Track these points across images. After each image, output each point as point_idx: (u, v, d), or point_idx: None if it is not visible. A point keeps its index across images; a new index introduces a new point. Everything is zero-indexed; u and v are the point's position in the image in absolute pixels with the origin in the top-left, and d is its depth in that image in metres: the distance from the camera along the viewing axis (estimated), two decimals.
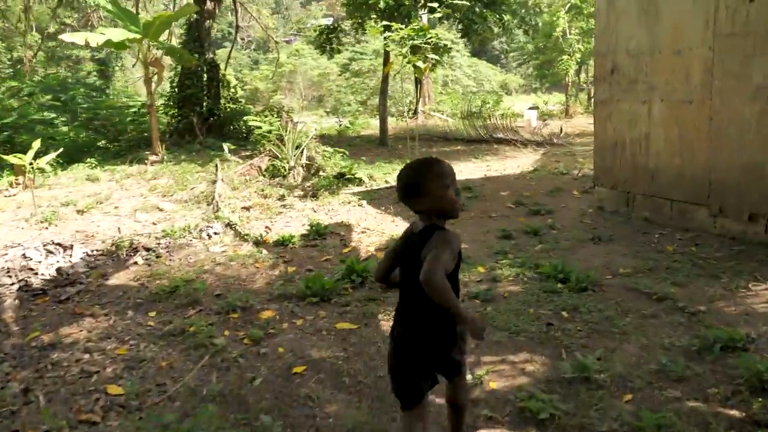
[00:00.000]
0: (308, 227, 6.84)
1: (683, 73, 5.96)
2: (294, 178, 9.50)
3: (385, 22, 8.06)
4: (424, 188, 2.03)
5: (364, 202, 8.26)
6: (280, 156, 9.68)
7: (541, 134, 14.03)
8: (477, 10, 11.72)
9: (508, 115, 18.25)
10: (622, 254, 5.49)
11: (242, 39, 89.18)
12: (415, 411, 2.12)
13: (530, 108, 35.10)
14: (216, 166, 8.89)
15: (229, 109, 15.96)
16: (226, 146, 10.80)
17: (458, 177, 2.18)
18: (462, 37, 13.23)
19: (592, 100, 7.45)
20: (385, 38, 8.13)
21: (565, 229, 6.44)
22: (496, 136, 14.09)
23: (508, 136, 13.92)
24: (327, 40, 15.11)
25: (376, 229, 6.90)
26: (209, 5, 16.26)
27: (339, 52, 15.31)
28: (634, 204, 6.80)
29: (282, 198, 8.49)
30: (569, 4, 19.68)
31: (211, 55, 15.59)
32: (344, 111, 57.15)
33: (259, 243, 6.46)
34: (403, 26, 9.57)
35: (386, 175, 10.00)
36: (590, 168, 10.27)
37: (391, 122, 21.40)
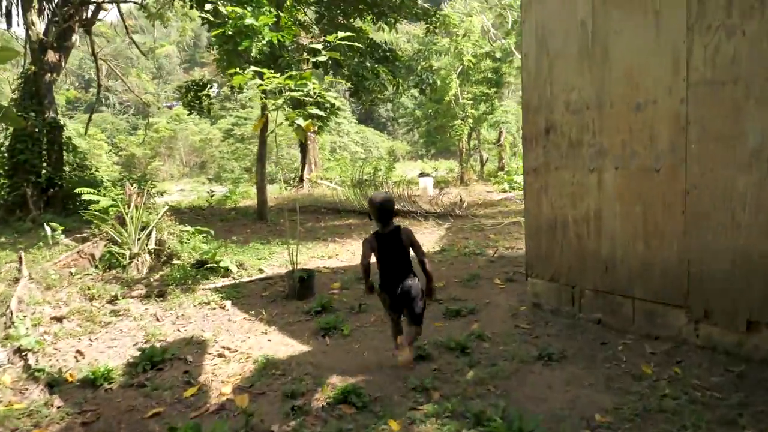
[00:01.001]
0: (139, 351, 4.69)
1: (646, 134, 4.51)
2: (138, 268, 7.23)
3: (254, 68, 6.20)
4: (394, 211, 4.43)
5: (229, 303, 6.18)
6: (119, 240, 7.40)
7: (441, 205, 12.62)
8: (368, 65, 10.27)
9: (402, 182, 16.87)
10: (589, 383, 3.83)
11: (120, 103, 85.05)
12: (397, 317, 4.43)
13: (421, 174, 34.49)
14: (20, 257, 6.46)
15: (76, 178, 13.33)
16: (48, 228, 8.31)
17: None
18: (352, 95, 11.62)
19: (523, 165, 5.60)
20: (259, 87, 6.31)
21: (499, 341, 4.71)
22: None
23: (406, 207, 12.37)
24: (195, 98, 13.07)
25: (241, 350, 4.84)
26: (52, 56, 13.80)
27: (209, 111, 13.28)
28: (582, 302, 5.20)
29: (114, 300, 6.21)
30: (460, 68, 19.08)
31: (53, 115, 13.02)
32: (226, 178, 54.71)
33: (56, 384, 4.23)
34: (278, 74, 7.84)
35: (261, 261, 7.98)
36: (505, 247, 8.79)
37: (275, 191, 19.42)
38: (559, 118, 5.26)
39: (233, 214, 13.50)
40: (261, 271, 7.43)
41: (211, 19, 8.86)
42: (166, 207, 8.00)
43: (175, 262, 7.39)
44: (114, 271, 7.20)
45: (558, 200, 5.38)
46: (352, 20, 11.99)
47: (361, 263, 4.30)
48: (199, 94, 13.20)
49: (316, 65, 11.10)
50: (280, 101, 6.28)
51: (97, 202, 8.40)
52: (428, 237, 10.00)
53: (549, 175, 5.47)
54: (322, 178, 18.40)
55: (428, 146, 68.74)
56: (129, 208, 7.64)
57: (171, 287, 6.58)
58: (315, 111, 6.39)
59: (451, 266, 7.66)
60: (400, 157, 71.63)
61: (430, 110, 33.00)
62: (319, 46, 7.17)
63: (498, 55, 21.63)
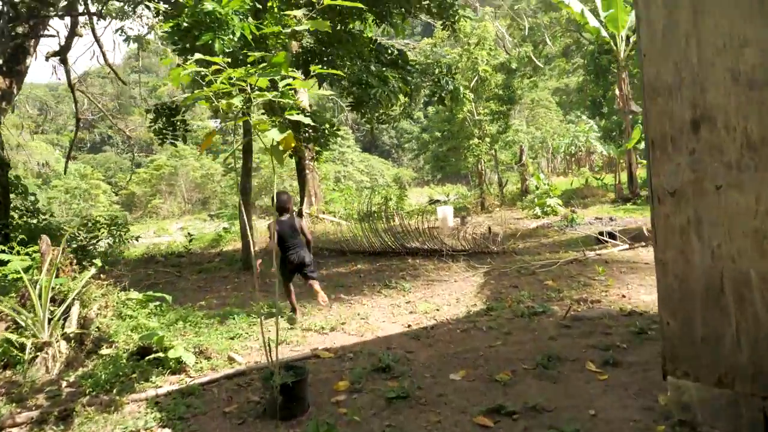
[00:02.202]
0: None
1: None
2: (47, 366, 4.85)
3: (200, 55, 3.87)
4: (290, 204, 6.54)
5: None
6: (23, 323, 5.03)
7: (469, 238, 10.23)
8: (373, 69, 7.98)
9: (419, 212, 14.51)
10: None
11: (123, 142, 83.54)
12: (290, 283, 6.68)
13: (432, 202, 32.12)
14: None
15: (26, 225, 11.04)
16: None
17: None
18: (354, 109, 9.29)
19: (648, 190, 3.55)
20: (210, 89, 4.05)
21: None
22: (409, 246, 10.12)
23: (427, 244, 9.98)
24: (168, 125, 10.82)
25: None
26: (0, 83, 11.64)
27: (184, 140, 11.01)
28: None
29: None
30: (475, 79, 16.82)
31: None
32: (224, 215, 52.59)
33: None
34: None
35: (235, 341, 5.57)
36: (575, 300, 6.37)
37: (264, 232, 17.09)
38: (720, 100, 2.91)
39: (216, 262, 11.12)
40: (231, 361, 5.02)
41: (162, 8, 6.63)
42: (93, 270, 5.63)
43: (105, 351, 5.01)
44: (10, 372, 4.82)
45: (726, 244, 3.00)
46: (351, 25, 9.73)
47: (272, 242, 5.88)
48: (172, 119, 10.93)
49: (306, 72, 8.86)
50: (236, 101, 3.95)
51: (6, 263, 6.02)
52: (462, 285, 7.58)
53: (704, 200, 3.09)
54: (324, 212, 16.10)
55: (435, 171, 66.79)
56: (41, 273, 5.28)
57: (88, 397, 4.21)
58: (299, 118, 4.04)
59: (510, 338, 5.24)
60: (406, 183, 69.70)
61: (438, 132, 30.81)
62: (303, 27, 4.86)
63: (514, 65, 19.42)
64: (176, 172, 68.43)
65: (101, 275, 6.32)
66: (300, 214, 16.47)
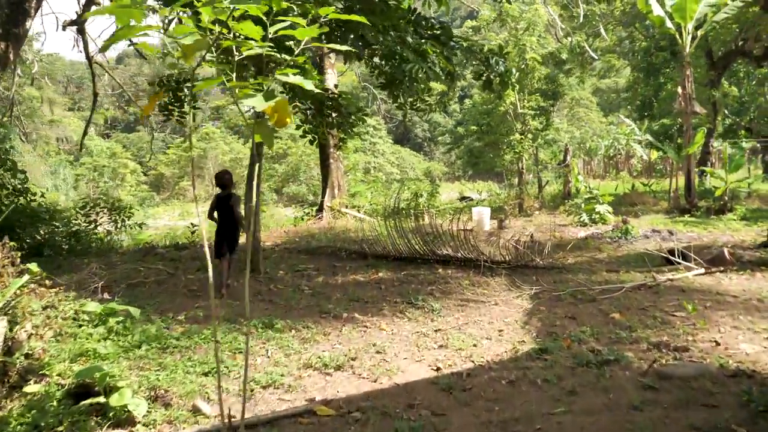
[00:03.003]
0: None
1: None
2: None
3: None
4: (231, 181, 7.49)
5: None
6: None
7: (510, 247, 8.77)
8: (410, 40, 6.56)
9: (449, 211, 13.11)
10: None
11: (156, 123, 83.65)
12: (222, 260, 7.12)
13: (464, 198, 30.53)
14: None
15: (13, 206, 9.93)
16: None
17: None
18: (384, 88, 7.89)
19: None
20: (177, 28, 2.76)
21: None
22: (440, 253, 8.71)
23: (462, 252, 8.56)
24: (175, 99, 9.59)
25: None
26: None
27: (193, 116, 9.73)
28: None
29: None
30: (524, 66, 15.22)
31: None
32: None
33: None
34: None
35: (208, 378, 4.26)
36: (653, 344, 4.91)
37: (289, 220, 15.76)
38: None
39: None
40: (196, 412, 3.70)
41: None
42: (26, 276, 4.38)
43: (31, 388, 3.75)
44: None
45: None
46: None
47: (209, 216, 7.40)
48: (179, 94, 9.69)
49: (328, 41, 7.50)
50: (188, 41, 2.61)
51: None
52: (507, 312, 6.15)
53: None
54: (346, 206, 14.74)
55: (467, 167, 65.09)
56: None
57: None
58: (295, 80, 2.71)
59: (576, 401, 3.83)
60: (436, 178, 68.08)
61: (474, 126, 29.22)
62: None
63: (564, 56, 17.77)
64: (205, 154, 68.05)
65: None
66: (320, 208, 15.19)
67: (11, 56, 11.01)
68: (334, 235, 11.48)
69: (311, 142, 10.07)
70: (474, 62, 7.93)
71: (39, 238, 9.89)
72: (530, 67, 15.58)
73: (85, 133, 19.61)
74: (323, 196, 15.03)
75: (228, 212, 7.24)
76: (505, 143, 18.01)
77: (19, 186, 10.15)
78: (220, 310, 6.27)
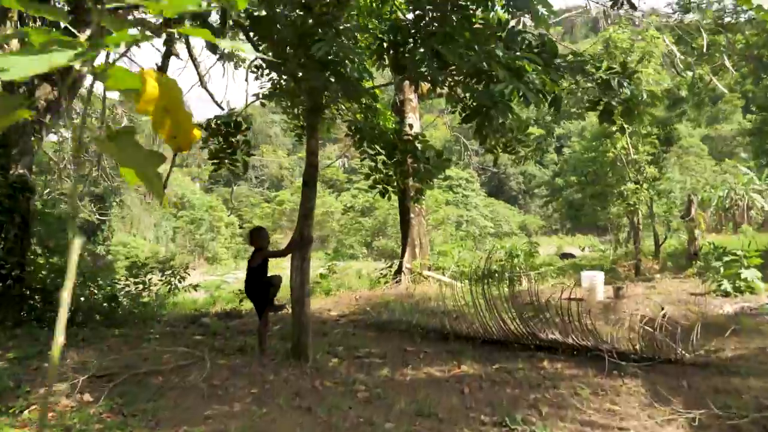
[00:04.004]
0: None
1: None
2: None
3: None
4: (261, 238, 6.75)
5: None
6: None
7: (639, 331, 6.51)
8: (500, 54, 4.71)
9: (551, 273, 10.90)
10: None
11: (256, 177, 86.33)
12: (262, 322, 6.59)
13: (565, 256, 27.68)
14: None
15: (43, 271, 8.82)
16: None
17: None
18: (468, 121, 6.01)
19: None
20: None
21: None
22: (544, 337, 6.59)
23: (574, 338, 6.40)
24: (227, 145, 8.23)
25: None
26: (47, 90, 9.71)
27: (245, 168, 8.37)
28: None
29: None
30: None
31: (21, 171, 8.67)
32: (345, 254, 50.64)
33: None
34: None
35: None
36: None
37: (362, 283, 13.95)
38: None
39: (275, 330, 8.17)
40: None
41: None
42: None
43: None
44: None
45: None
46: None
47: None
48: (231, 139, 8.32)
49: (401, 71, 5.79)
50: None
51: None
52: None
53: None
54: (429, 268, 12.85)
55: (564, 220, 61.51)
56: None
57: None
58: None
59: None
60: (532, 232, 64.79)
61: (573, 177, 26.76)
62: None
63: (683, 92, 15.33)
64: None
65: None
66: (399, 270, 13.35)
67: (64, 103, 10.14)
68: (411, 305, 9.55)
69: (382, 195, 8.32)
70: (587, 85, 5.94)
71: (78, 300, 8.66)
72: (645, 104, 13.28)
73: (164, 185, 18.87)
74: (402, 256, 13.20)
75: (252, 273, 6.64)
76: (615, 194, 15.61)
77: (50, 244, 9.03)
78: (235, 421, 4.49)
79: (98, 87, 1.14)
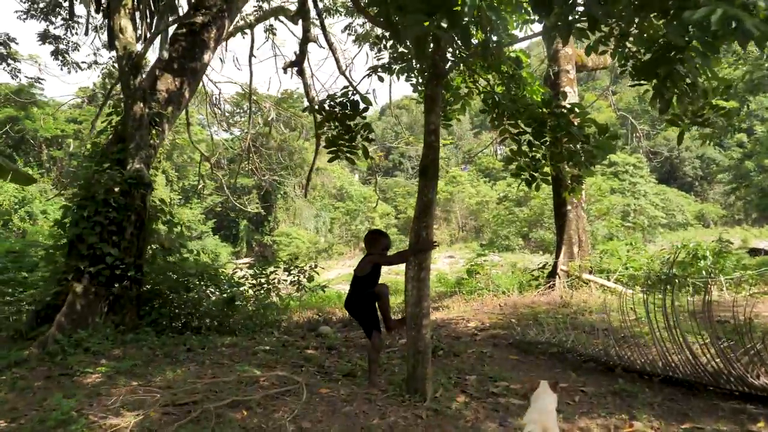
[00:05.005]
0: None
1: None
2: None
3: None
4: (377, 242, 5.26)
5: None
6: None
7: None
8: None
9: (751, 280, 8.56)
10: None
11: (412, 168, 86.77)
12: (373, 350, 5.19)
13: (752, 251, 23.67)
14: None
15: (162, 271, 8.31)
16: None
17: None
18: (642, 74, 4.23)
19: None
20: None
21: None
22: (755, 383, 4.66)
23: None
24: (344, 130, 7.10)
25: None
26: (169, 81, 9.29)
27: (366, 155, 7.13)
28: None
29: None
30: None
31: (138, 166, 8.21)
32: (501, 245, 48.42)
33: None
34: None
35: None
36: None
37: (512, 284, 12.19)
38: None
39: (393, 350, 6.92)
40: None
41: None
42: None
43: None
44: None
45: None
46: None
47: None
48: (348, 122, 7.16)
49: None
50: None
51: None
52: None
53: None
54: (590, 271, 10.82)
55: (751, 210, 54.03)
56: None
57: None
58: None
59: None
60: (711, 222, 57.96)
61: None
62: None
63: None
64: (452, 198, 67.53)
65: None
66: (553, 272, 11.48)
67: (187, 94, 9.65)
68: (566, 319, 7.79)
69: (528, 184, 6.71)
70: None
71: (187, 306, 8.06)
72: None
73: (308, 178, 18.47)
74: (557, 256, 11.30)
75: (357, 281, 5.31)
76: None
77: (166, 243, 8.51)
78: None
79: None
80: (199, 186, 42.69)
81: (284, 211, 62.28)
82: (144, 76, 9.22)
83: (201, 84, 15.23)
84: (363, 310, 5.22)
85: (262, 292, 9.35)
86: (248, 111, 20.83)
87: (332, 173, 68.56)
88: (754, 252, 23.96)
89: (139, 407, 4.70)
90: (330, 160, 7.49)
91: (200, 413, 4.55)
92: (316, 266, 10.06)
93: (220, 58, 22.14)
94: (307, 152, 58.06)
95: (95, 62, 14.43)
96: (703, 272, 9.32)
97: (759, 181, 29.48)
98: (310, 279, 9.85)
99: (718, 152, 61.37)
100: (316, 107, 7.29)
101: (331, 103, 7.20)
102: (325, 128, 7.38)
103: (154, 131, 8.85)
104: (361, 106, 7.10)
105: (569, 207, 11.59)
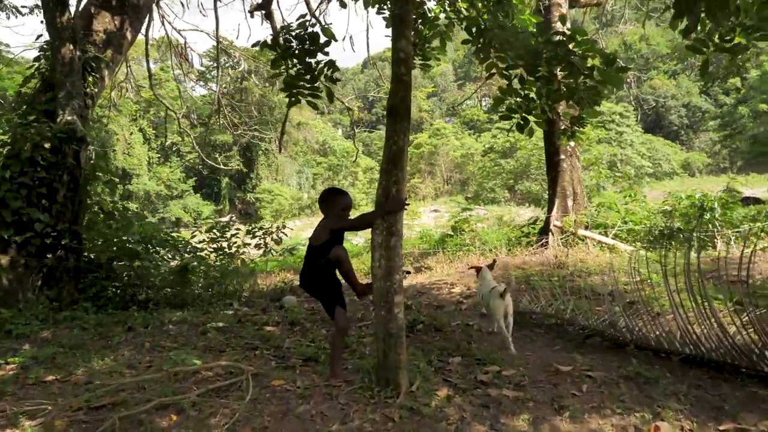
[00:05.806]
0: None
1: None
2: None
3: None
4: (330, 201, 4.23)
5: None
6: None
7: None
8: None
9: (759, 231, 7.74)
10: None
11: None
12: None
13: (748, 200, 23.17)
14: None
15: (102, 237, 7.29)
16: None
17: None
18: (675, 13, 3.21)
19: None
20: None
21: None
22: None
23: None
24: (306, 70, 6.01)
25: None
26: (108, 21, 8.08)
27: (330, 98, 6.03)
28: None
29: None
30: None
31: (69, 118, 7.07)
32: (486, 198, 47.59)
33: None
34: None
35: None
36: None
37: (500, 241, 11.28)
38: None
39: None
40: None
41: None
42: None
43: None
44: None
45: None
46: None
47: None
48: (309, 60, 6.05)
49: None
50: None
51: None
52: None
53: None
54: (586, 227, 9.91)
55: (737, 157, 53.48)
56: None
57: None
58: None
59: None
60: (696, 171, 57.49)
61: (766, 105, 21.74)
62: None
63: None
64: (437, 151, 66.21)
65: None
66: (545, 229, 10.56)
67: (129, 35, 8.42)
68: (562, 282, 6.90)
69: (520, 129, 5.72)
70: None
71: (131, 277, 7.07)
72: None
73: (281, 133, 17.28)
74: (549, 211, 10.37)
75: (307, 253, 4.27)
76: None
77: (108, 205, 7.45)
78: None
79: None
80: (166, 143, 41.07)
81: (266, 168, 60.89)
82: (76, 13, 8.00)
83: (166, 33, 13.84)
84: (321, 284, 4.21)
85: (224, 258, 8.37)
86: (216, 62, 19.46)
87: (314, 128, 66.93)
88: (747, 200, 23.32)
89: (44, 412, 3.76)
90: (289, 105, 6.41)
91: (117, 420, 3.62)
92: (284, 227, 9.07)
93: (182, 2, 20.49)
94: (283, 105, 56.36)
95: (37, 6, 12.98)
96: (710, 225, 8.48)
97: (753, 127, 28.61)
98: (278, 242, 8.88)
99: (704, 100, 60.41)
100: (269, 42, 6.17)
101: (287, 36, 6.09)
102: (282, 68, 6.27)
103: (90, 78, 7.69)
104: (322, 39, 6.00)
105: (563, 156, 10.60)
